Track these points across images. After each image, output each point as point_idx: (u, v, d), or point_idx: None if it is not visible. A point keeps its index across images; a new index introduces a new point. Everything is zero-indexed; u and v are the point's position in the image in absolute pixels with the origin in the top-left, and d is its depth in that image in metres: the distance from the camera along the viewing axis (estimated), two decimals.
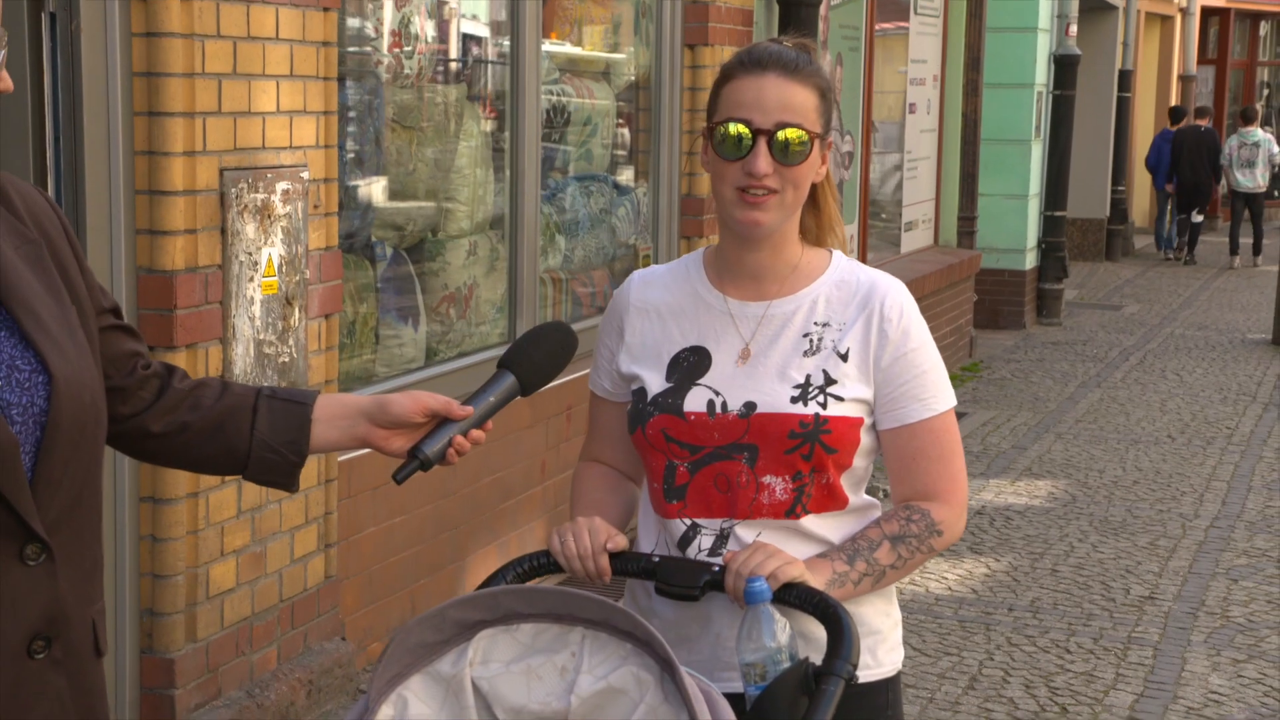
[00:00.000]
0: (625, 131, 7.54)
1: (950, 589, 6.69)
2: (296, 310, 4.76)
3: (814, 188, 2.59)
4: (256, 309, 4.59)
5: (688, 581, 2.46)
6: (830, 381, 2.53)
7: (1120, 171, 19.61)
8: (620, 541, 2.52)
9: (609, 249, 7.37)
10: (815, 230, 2.64)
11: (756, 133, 2.47)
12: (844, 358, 2.54)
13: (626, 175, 7.55)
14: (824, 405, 2.51)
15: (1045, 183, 14.16)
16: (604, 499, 2.74)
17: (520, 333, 6.37)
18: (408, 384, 5.59)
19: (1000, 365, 12.28)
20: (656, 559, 2.52)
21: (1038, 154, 13.82)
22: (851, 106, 10.10)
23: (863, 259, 10.40)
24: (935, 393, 2.58)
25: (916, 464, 2.58)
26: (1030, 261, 14.03)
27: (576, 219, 7.11)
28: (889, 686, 2.64)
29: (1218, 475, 8.89)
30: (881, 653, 2.63)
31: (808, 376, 2.53)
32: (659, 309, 2.64)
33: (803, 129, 2.47)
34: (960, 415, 10.15)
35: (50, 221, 2.17)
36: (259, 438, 2.31)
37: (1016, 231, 13.68)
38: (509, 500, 6.14)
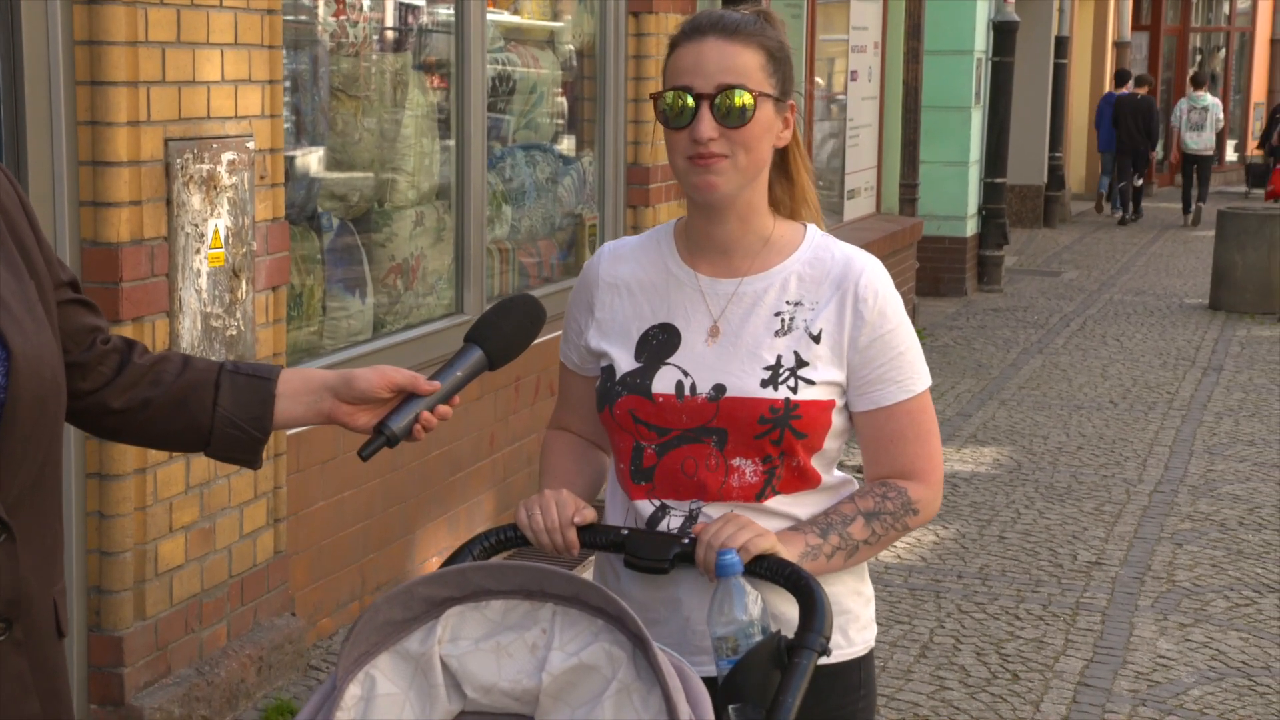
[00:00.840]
0: (570, 100, 7.49)
1: (899, 557, 6.71)
2: (244, 283, 4.70)
3: (785, 156, 2.55)
4: (203, 281, 4.53)
5: (657, 554, 2.43)
6: (801, 364, 2.48)
7: (1057, 138, 19.73)
8: (588, 515, 2.49)
9: (555, 219, 7.33)
10: (789, 202, 2.58)
11: (698, 98, 2.43)
12: (816, 339, 2.49)
13: (572, 144, 7.52)
14: (794, 389, 2.46)
15: (985, 149, 14.20)
16: (572, 469, 2.69)
17: (466, 304, 6.35)
18: (356, 356, 5.55)
19: (943, 332, 12.33)
20: (625, 532, 2.48)
21: (977, 121, 13.85)
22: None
23: None
24: (912, 374, 2.53)
25: (894, 445, 2.54)
26: (971, 228, 14.08)
27: (523, 189, 7.07)
28: (861, 665, 2.61)
29: (1160, 440, 8.95)
30: (853, 631, 2.60)
31: (779, 358, 2.48)
32: (629, 284, 2.59)
33: (745, 89, 2.42)
34: None
35: (7, 195, 2.13)
36: (222, 413, 2.27)
37: (957, 198, 13.72)
38: (458, 473, 6.11)
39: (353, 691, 2.17)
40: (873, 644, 2.65)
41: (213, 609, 4.76)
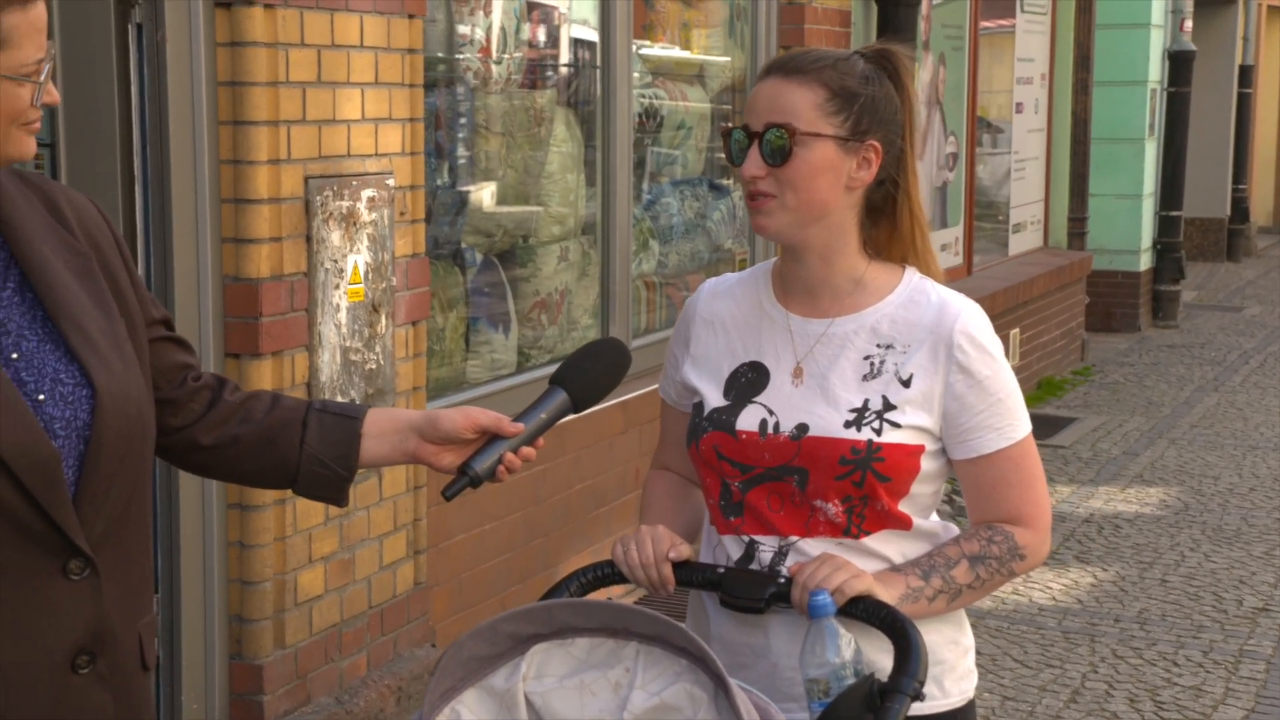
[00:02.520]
0: (720, 135, 7.53)
1: (1054, 599, 6.60)
2: (383, 317, 4.78)
3: (887, 201, 2.51)
4: (342, 316, 4.62)
5: (753, 593, 2.42)
6: (889, 407, 2.44)
7: (1242, 170, 19.25)
8: (683, 550, 2.49)
9: (705, 253, 7.35)
10: (887, 247, 2.53)
11: (751, 136, 2.43)
12: (906, 384, 2.45)
13: (721, 179, 7.53)
14: (878, 432, 2.43)
15: (1160, 182, 13.94)
16: (671, 507, 2.70)
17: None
18: (499, 390, 5.61)
19: (1113, 369, 12.11)
20: (721, 570, 2.48)
21: (1152, 153, 13.60)
22: (956, 106, 10.01)
23: (968, 262, 10.32)
24: (1012, 420, 2.49)
25: (997, 492, 2.50)
26: (1145, 262, 13.81)
27: (671, 223, 7.09)
28: (958, 718, 2.57)
29: None
30: (949, 683, 2.56)
31: (865, 401, 2.45)
32: (724, 321, 2.59)
33: (786, 127, 2.39)
34: (1070, 420, 10.05)
35: (101, 232, 2.19)
36: (309, 451, 2.31)
37: (1130, 232, 13.48)
38: (601, 507, 6.14)
39: None
40: (971, 695, 2.61)
41: (352, 639, 4.83)
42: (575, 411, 2.43)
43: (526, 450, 2.36)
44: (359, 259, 4.66)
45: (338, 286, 4.59)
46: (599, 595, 2.49)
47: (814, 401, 2.47)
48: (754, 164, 2.42)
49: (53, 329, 2.06)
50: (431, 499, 5.16)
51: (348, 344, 4.65)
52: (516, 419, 2.36)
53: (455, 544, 5.36)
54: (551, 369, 6.27)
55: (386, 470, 4.85)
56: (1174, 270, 14.12)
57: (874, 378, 2.47)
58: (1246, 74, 18.75)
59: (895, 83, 2.52)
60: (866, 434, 2.43)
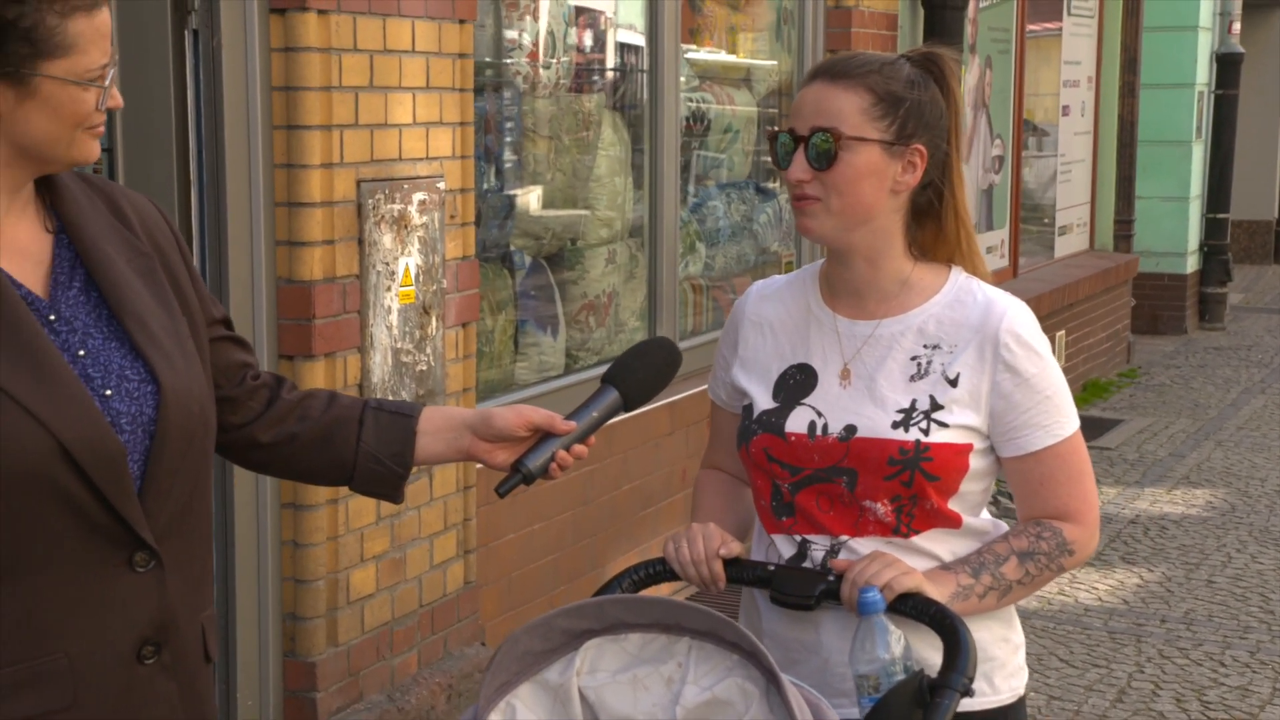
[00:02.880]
0: (767, 138, 7.52)
1: (1100, 599, 6.59)
2: (434, 319, 4.82)
3: (932, 203, 2.51)
4: (394, 318, 4.65)
5: (803, 590, 2.43)
6: (936, 407, 2.45)
7: None
8: (734, 548, 2.51)
9: (751, 255, 7.36)
10: (933, 249, 2.54)
11: (796, 140, 2.43)
12: (953, 383, 2.45)
13: (767, 182, 7.54)
14: (926, 432, 2.44)
15: (1207, 185, 13.87)
16: (722, 506, 2.71)
17: None
18: (548, 391, 5.64)
19: (1159, 371, 12.05)
20: (772, 568, 2.49)
21: (1199, 155, 13.54)
22: (1002, 109, 9.98)
23: (1014, 264, 10.28)
24: (1060, 418, 2.49)
25: (1045, 488, 2.50)
26: (1191, 265, 13.74)
27: (718, 226, 7.10)
28: (1009, 714, 2.57)
29: None
30: (999, 680, 2.56)
31: (913, 401, 2.46)
32: (772, 323, 2.60)
33: (832, 131, 2.39)
34: (1116, 422, 10.02)
35: (163, 234, 2.22)
36: (365, 449, 2.33)
37: (1176, 234, 13.41)
38: (649, 508, 6.16)
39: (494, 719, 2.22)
40: (1022, 692, 2.61)
41: (403, 637, 4.86)
42: (626, 410, 2.44)
43: (578, 448, 2.37)
44: (410, 261, 4.70)
45: (389, 289, 4.62)
46: (650, 592, 2.51)
47: (862, 403, 2.48)
48: (799, 167, 2.43)
49: (118, 327, 2.08)
50: (481, 499, 5.18)
51: (399, 345, 4.68)
52: (568, 417, 2.37)
53: (504, 544, 5.38)
54: (599, 371, 6.27)
55: (437, 470, 4.88)
56: (1221, 272, 14.04)
57: (921, 378, 2.47)
58: None
59: (941, 86, 2.51)
60: (914, 434, 2.44)
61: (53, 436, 1.95)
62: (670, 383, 2.49)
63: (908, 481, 2.44)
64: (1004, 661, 2.58)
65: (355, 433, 2.32)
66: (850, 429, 2.47)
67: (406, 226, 4.67)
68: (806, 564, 2.52)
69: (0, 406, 1.93)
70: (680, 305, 6.60)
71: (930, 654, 2.37)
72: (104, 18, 2.01)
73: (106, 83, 2.02)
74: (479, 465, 5.03)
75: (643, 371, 2.44)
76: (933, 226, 2.54)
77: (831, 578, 2.43)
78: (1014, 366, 2.46)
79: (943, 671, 2.27)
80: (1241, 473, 8.87)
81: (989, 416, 2.48)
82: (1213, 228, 13.96)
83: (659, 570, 2.55)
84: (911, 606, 2.36)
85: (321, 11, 4.35)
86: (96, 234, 2.11)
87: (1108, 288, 11.49)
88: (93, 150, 2.06)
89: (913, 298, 2.52)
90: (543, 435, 2.36)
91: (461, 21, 4.89)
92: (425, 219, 4.74)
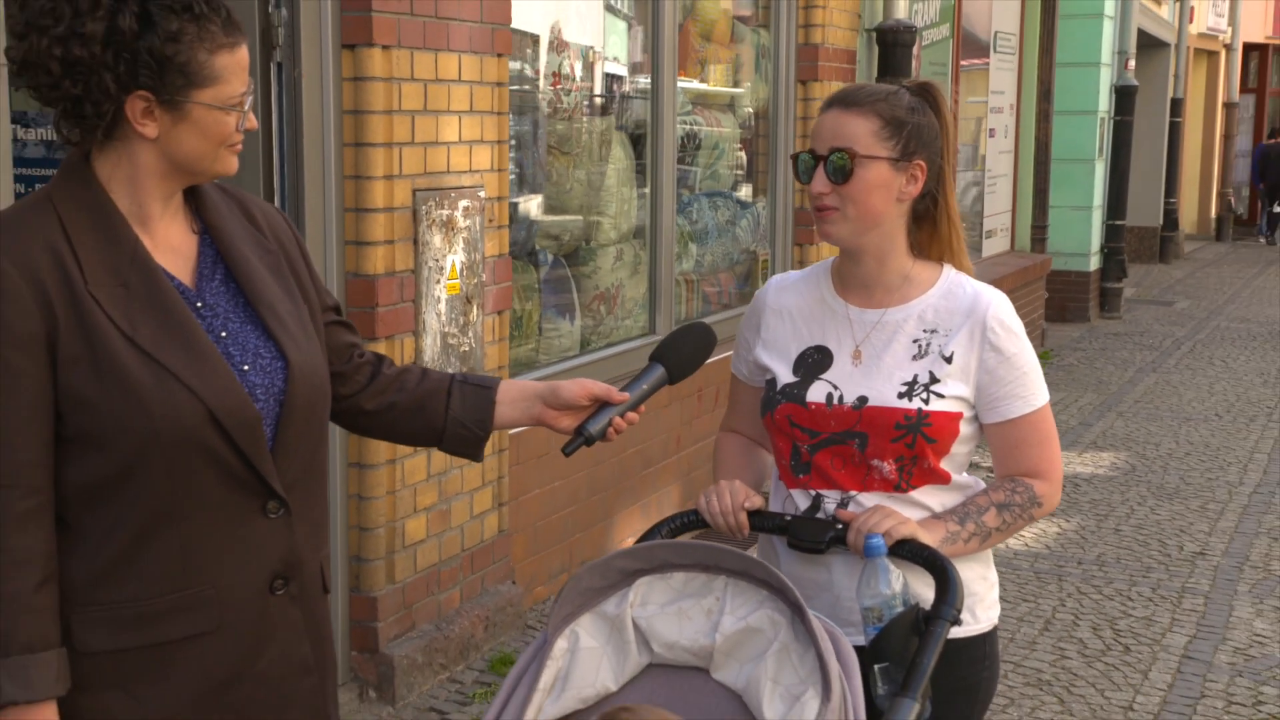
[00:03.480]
0: (747, 154, 7.53)
1: (1027, 545, 6.62)
2: (475, 308, 4.82)
3: (929, 209, 2.52)
4: (442, 306, 4.65)
5: (815, 537, 2.44)
6: (934, 380, 2.46)
7: (1172, 186, 19.18)
8: (757, 501, 2.51)
9: (733, 254, 7.36)
10: (929, 247, 2.55)
11: (816, 159, 2.45)
12: (948, 360, 2.47)
13: (748, 191, 7.54)
14: (926, 401, 2.45)
15: (1107, 196, 13.90)
16: (741, 464, 2.71)
17: (658, 326, 6.41)
18: (565, 369, 5.63)
19: (1068, 354, 12.09)
20: (788, 518, 2.50)
21: (1100, 171, 13.56)
22: None
23: None
24: (1034, 390, 2.50)
25: (1019, 450, 2.51)
26: (1094, 264, 13.77)
27: (706, 229, 7.10)
28: (987, 640, 2.59)
29: (1259, 448, 8.68)
30: (980, 611, 2.57)
31: (915, 376, 2.47)
32: (790, 311, 2.60)
33: (847, 151, 2.41)
34: None
35: (285, 235, 2.23)
36: (453, 416, 2.33)
37: (1082, 238, 13.44)
38: (650, 468, 6.17)
39: (560, 645, 2.24)
40: (996, 621, 2.62)
41: (449, 576, 4.87)
42: (670, 383, 2.44)
43: (631, 415, 2.36)
44: (456, 258, 4.69)
45: (438, 281, 4.62)
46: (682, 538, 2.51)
47: (871, 377, 2.49)
48: (820, 182, 2.44)
49: (252, 313, 2.09)
50: (513, 460, 5.19)
51: (446, 330, 4.68)
52: (623, 389, 2.37)
53: (531, 498, 5.39)
54: (610, 352, 6.32)
55: None
56: (1118, 270, 14.08)
57: (921, 357, 2.48)
58: (1177, 106, 18.66)
59: (935, 111, 2.52)
60: (916, 403, 2.45)
61: (204, 404, 1.96)
62: (707, 360, 2.49)
63: (911, 443, 2.45)
64: (983, 596, 2.59)
65: (444, 402, 2.33)
66: (862, 399, 2.48)
67: (453, 229, 4.66)
68: (819, 515, 2.53)
69: (162, 380, 1.95)
70: (675, 297, 6.60)
71: (924, 590, 2.38)
72: (244, 53, 2.03)
73: (245, 108, 2.03)
74: (511, 431, 5.06)
75: (685, 350, 2.44)
76: (929, 228, 2.55)
77: (840, 526, 2.44)
78: (997, 346, 2.47)
79: (935, 604, 2.29)
80: (1139, 439, 8.90)
81: (975, 389, 2.49)
82: (1111, 232, 13.99)
83: (692, 519, 2.56)
84: (908, 550, 2.37)
85: (385, 47, 4.34)
86: (233, 235, 2.12)
87: (1026, 283, 11.51)
88: (232, 164, 2.07)
89: (912, 290, 2.53)
90: (601, 404, 2.36)
91: (499, 55, 4.88)
92: (468, 222, 4.74)
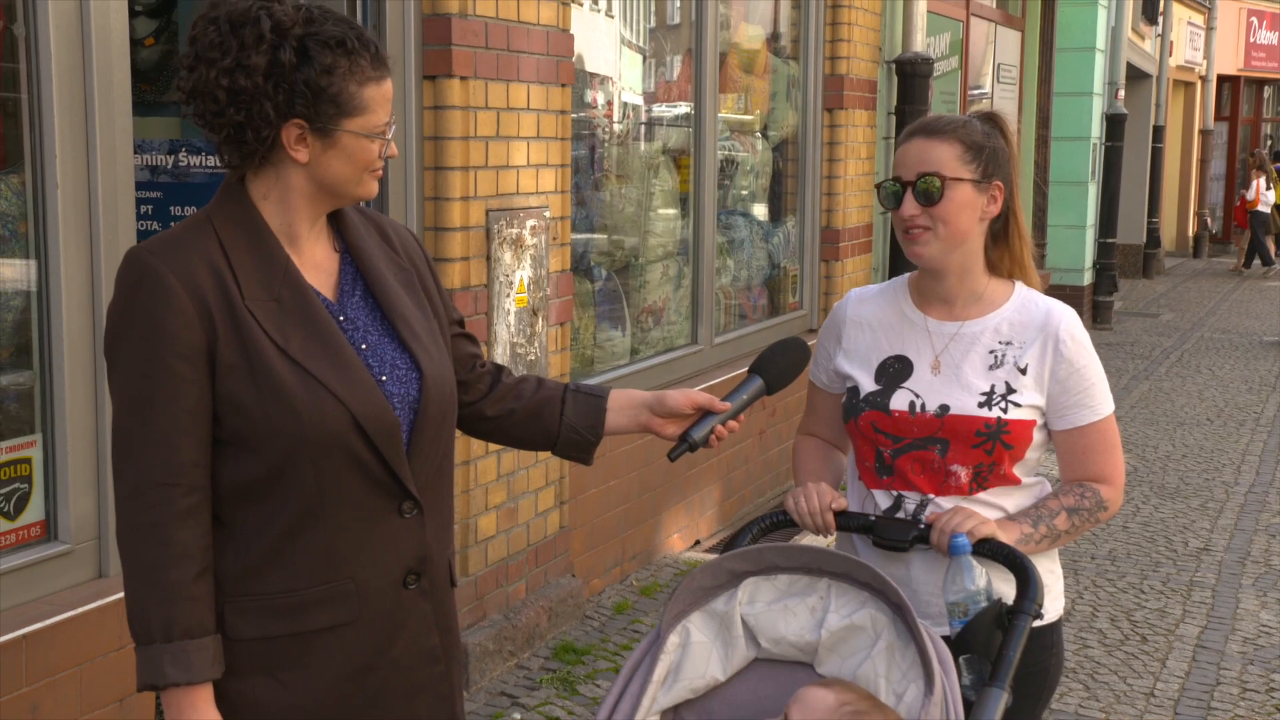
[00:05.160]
0: (779, 177, 7.50)
1: None
2: (540, 319, 4.78)
3: (1003, 229, 2.48)
4: (511, 318, 4.62)
5: (899, 536, 2.40)
6: (1011, 390, 2.42)
7: (1155, 206, 19.14)
8: (843, 502, 2.47)
9: (766, 270, 7.32)
10: (1005, 265, 2.52)
11: (904, 185, 2.41)
12: (1023, 371, 2.43)
13: (779, 211, 7.50)
14: (1005, 411, 2.41)
15: (1099, 216, 13.84)
16: (821, 466, 2.66)
17: (699, 336, 6.37)
18: (617, 376, 5.59)
19: None
20: (873, 518, 2.45)
21: (1093, 193, 13.51)
22: None
23: None
24: (1101, 400, 2.47)
25: (1086, 456, 2.48)
26: (1088, 279, 13.71)
27: (741, 246, 7.06)
28: (1054, 629, 2.55)
29: (1250, 450, 8.61)
30: (1047, 603, 2.48)
31: (993, 386, 2.43)
32: (870, 322, 2.56)
33: (937, 175, 2.38)
34: None
35: (417, 254, 2.21)
36: (567, 422, 2.30)
37: (1077, 255, 13.39)
38: (693, 469, 6.12)
39: (673, 640, 2.20)
40: (1062, 612, 2.59)
41: (516, 570, 4.83)
42: (768, 394, 2.39)
43: (732, 424, 2.32)
44: (524, 274, 4.66)
45: (508, 295, 4.59)
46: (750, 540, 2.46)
47: (951, 387, 2.44)
48: (911, 205, 2.40)
49: (389, 327, 2.07)
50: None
51: (515, 340, 4.64)
52: (724, 399, 2.32)
53: (589, 496, 5.35)
54: (655, 360, 6.26)
55: None
56: (1109, 284, 14.02)
57: (998, 368, 2.44)
58: (1158, 132, 18.62)
59: (1005, 137, 2.50)
60: (996, 412, 2.41)
61: (348, 411, 1.96)
62: (801, 372, 2.44)
63: (990, 450, 2.41)
64: (1051, 588, 2.54)
65: (559, 410, 2.30)
66: (944, 407, 2.44)
67: (521, 246, 4.63)
68: (900, 514, 2.48)
69: (311, 388, 1.95)
70: (715, 310, 6.56)
71: (1003, 587, 2.34)
72: (389, 86, 2.01)
73: (389, 136, 2.01)
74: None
75: (783, 363, 2.40)
76: (1003, 246, 2.51)
77: (922, 526, 2.39)
78: (1068, 358, 2.44)
79: (1017, 600, 2.24)
80: (1138, 441, 8.83)
81: (1047, 397, 2.45)
82: (1103, 249, 13.94)
83: (781, 520, 2.51)
84: (989, 549, 2.32)
85: (462, 78, 4.30)
86: (371, 254, 2.10)
87: None
88: (373, 189, 2.05)
89: (987, 305, 2.49)
90: (704, 413, 2.31)
91: (563, 85, 4.85)
92: (535, 240, 4.70)
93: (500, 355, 4.56)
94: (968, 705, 2.14)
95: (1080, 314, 12.68)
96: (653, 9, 6.29)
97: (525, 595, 4.88)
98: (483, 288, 4.47)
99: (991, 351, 2.46)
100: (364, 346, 2.04)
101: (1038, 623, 2.46)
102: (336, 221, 2.10)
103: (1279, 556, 6.37)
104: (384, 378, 2.03)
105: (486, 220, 4.46)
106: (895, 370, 2.50)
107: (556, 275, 4.90)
